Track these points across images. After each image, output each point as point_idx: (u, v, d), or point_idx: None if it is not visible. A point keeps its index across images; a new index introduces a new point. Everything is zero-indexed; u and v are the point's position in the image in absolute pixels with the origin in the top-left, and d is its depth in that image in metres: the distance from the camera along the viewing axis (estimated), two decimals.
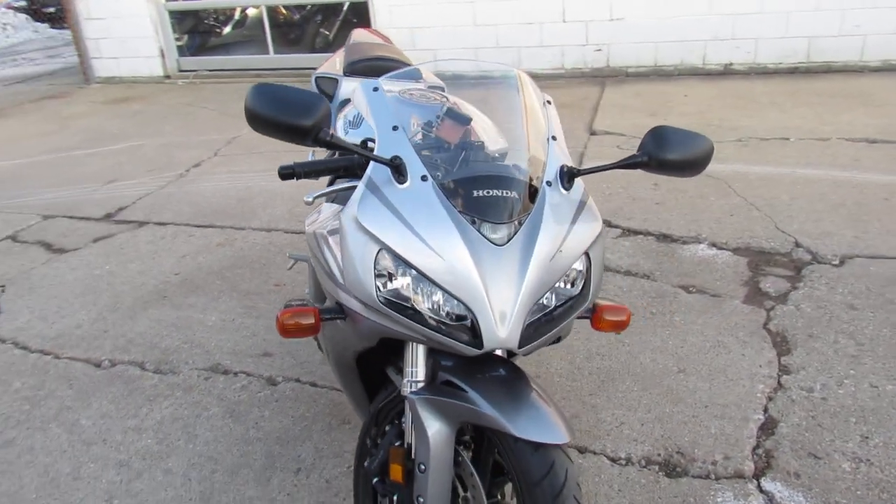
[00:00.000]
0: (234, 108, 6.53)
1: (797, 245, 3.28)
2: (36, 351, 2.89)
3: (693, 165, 1.46)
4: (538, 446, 1.28)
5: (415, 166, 1.35)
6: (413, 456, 1.42)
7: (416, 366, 1.42)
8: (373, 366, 1.64)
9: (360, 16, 7.38)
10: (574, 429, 2.21)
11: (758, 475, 2.01)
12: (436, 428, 1.36)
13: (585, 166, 1.46)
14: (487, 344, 1.28)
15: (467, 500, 1.45)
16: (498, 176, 1.36)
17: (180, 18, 8.31)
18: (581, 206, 1.40)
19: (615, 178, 4.17)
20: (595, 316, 1.49)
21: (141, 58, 8.19)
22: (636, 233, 3.54)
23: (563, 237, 1.34)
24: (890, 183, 3.88)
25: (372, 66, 2.20)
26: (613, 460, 2.11)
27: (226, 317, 3.04)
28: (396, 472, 1.46)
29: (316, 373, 2.60)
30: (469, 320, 1.29)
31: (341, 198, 1.55)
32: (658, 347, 2.62)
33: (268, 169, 4.84)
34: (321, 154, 2.30)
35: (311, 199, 1.41)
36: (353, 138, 1.75)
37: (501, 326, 1.27)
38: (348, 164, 1.43)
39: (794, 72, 6.31)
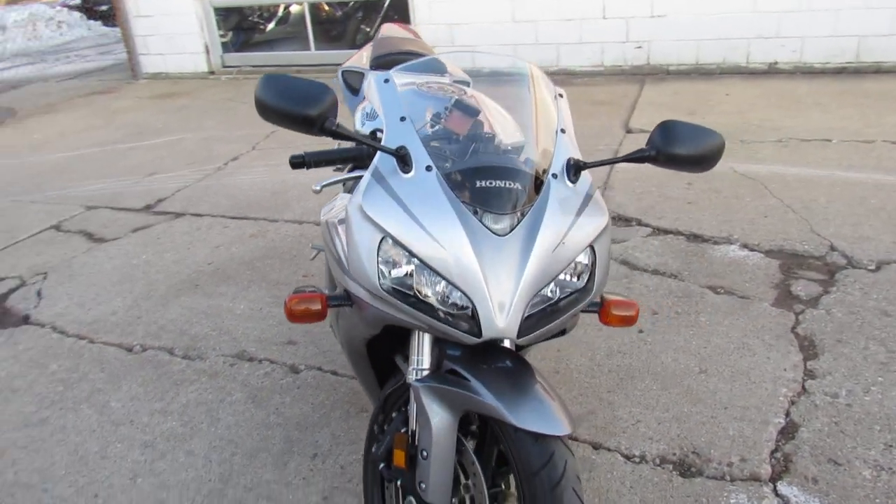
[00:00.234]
0: None
1: (832, 249, 3.20)
2: (72, 335, 3.00)
3: (702, 161, 1.44)
4: (538, 437, 1.29)
5: (420, 156, 1.37)
6: (416, 442, 1.44)
7: (422, 354, 1.44)
8: (383, 353, 1.67)
9: (401, 12, 7.43)
10: (581, 423, 2.22)
11: (774, 479, 1.97)
12: (439, 415, 1.37)
13: (592, 160, 1.45)
14: (486, 333, 1.29)
15: (468, 488, 1.46)
16: (503, 167, 1.37)
17: (225, 15, 8.49)
18: (587, 198, 1.40)
19: (648, 177, 4.12)
20: (603, 310, 1.49)
21: (186, 54, 8.40)
22: (666, 232, 3.49)
23: (567, 229, 1.34)
24: None
25: (397, 61, 2.20)
26: (627, 457, 2.09)
27: (254, 306, 3.10)
28: (400, 457, 1.48)
29: (337, 362, 2.64)
30: (469, 309, 1.30)
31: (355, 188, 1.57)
32: (681, 347, 2.59)
33: None
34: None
35: (319, 188, 1.44)
36: (369, 130, 1.78)
37: (500, 315, 1.28)
38: (358, 154, 1.46)
39: (841, 72, 6.14)
